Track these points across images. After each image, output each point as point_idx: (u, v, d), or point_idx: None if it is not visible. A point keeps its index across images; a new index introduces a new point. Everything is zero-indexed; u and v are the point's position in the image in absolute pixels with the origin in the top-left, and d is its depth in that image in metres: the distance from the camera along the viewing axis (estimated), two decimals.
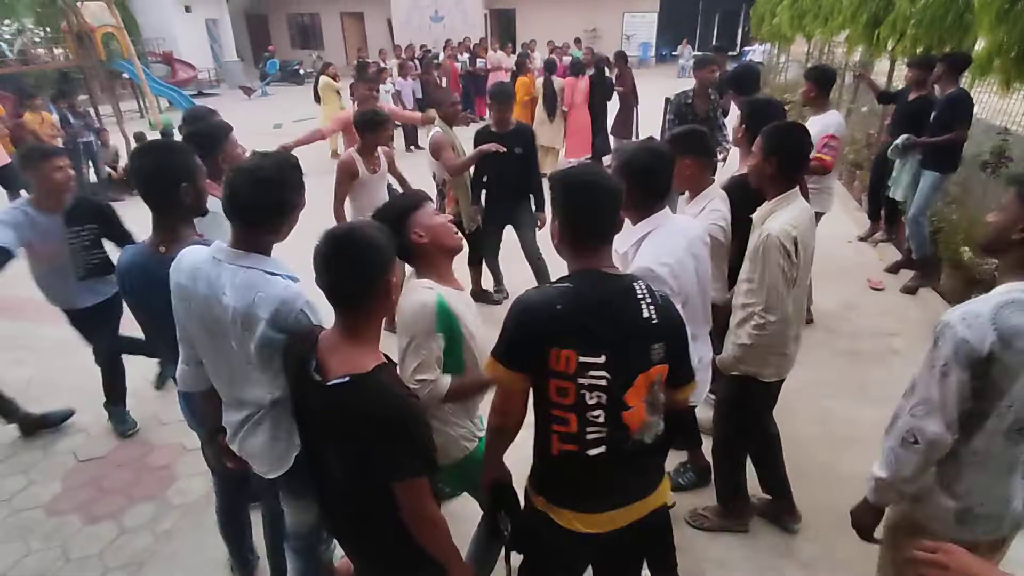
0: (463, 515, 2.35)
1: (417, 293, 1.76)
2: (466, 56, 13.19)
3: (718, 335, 2.49)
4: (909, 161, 4.93)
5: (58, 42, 15.43)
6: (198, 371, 1.87)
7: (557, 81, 8.29)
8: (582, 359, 1.42)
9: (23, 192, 7.13)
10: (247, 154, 2.00)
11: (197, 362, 1.86)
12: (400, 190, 4.19)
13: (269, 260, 1.68)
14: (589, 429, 1.46)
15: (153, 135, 9.17)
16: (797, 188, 2.21)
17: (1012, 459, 1.45)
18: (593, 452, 1.48)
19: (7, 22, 17.93)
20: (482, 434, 1.91)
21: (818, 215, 3.14)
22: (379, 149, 3.97)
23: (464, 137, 4.45)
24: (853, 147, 7.61)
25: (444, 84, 11.23)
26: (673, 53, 21.09)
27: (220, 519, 2.41)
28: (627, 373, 1.47)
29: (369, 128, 3.84)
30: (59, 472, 3.19)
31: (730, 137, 4.71)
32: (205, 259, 1.68)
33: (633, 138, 7.59)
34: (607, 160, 7.67)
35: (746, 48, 20.23)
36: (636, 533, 1.59)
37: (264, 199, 1.60)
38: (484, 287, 4.95)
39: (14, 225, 2.88)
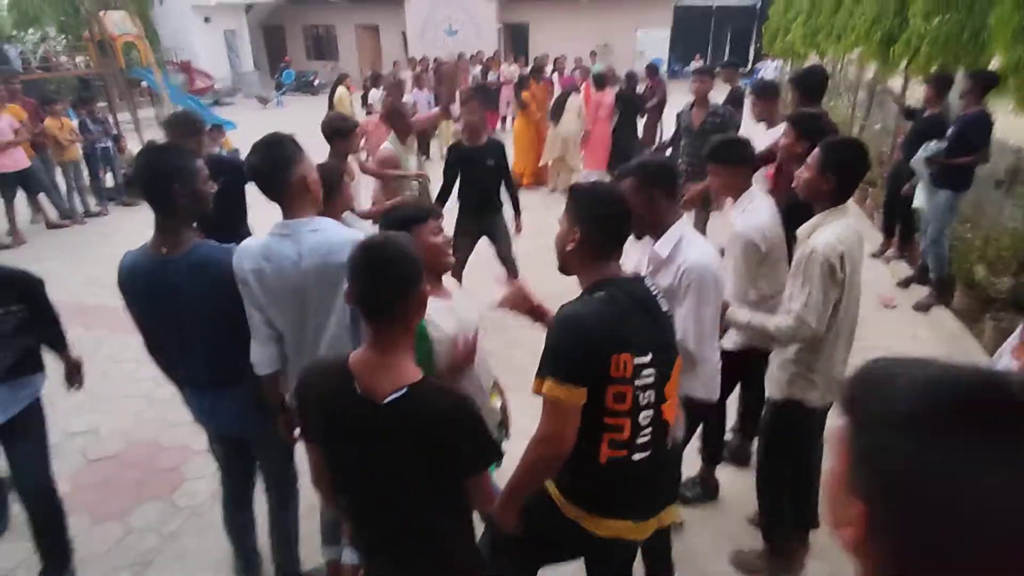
0: None
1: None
2: (478, 69, 13.29)
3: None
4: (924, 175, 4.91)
5: (80, 50, 15.72)
6: (277, 350, 1.99)
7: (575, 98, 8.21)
8: (636, 361, 1.52)
9: (42, 197, 7.29)
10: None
11: (276, 339, 1.97)
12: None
13: (331, 222, 1.93)
14: (640, 433, 1.57)
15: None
16: (847, 204, 2.15)
17: None
18: (638, 457, 1.58)
19: (31, 30, 18.32)
20: None
21: None
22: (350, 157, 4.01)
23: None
24: None
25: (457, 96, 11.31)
26: (686, 69, 21.18)
27: (226, 517, 2.42)
28: (668, 366, 1.61)
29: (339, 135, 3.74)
30: (69, 472, 3.20)
31: None
32: (271, 239, 1.88)
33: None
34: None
35: (758, 65, 20.28)
36: (649, 541, 1.70)
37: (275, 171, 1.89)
38: None
39: None
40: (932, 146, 4.73)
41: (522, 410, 2.17)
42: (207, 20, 21.20)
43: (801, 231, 2.20)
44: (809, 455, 2.43)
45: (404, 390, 1.34)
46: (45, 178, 7.30)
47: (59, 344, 2.52)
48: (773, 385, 2.34)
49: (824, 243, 2.02)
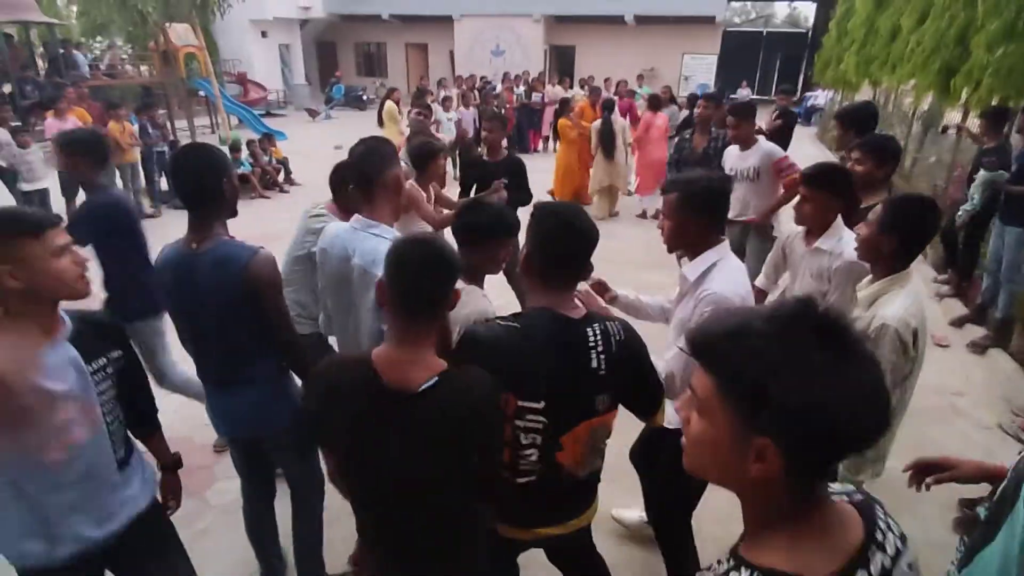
0: None
1: (479, 301, 1.84)
2: (522, 89, 13.42)
3: None
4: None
5: (144, 59, 16.48)
6: (330, 320, 2.27)
7: (619, 121, 8.07)
8: (521, 403, 1.45)
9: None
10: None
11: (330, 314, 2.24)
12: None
13: (390, 230, 2.05)
14: (521, 463, 1.52)
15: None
16: (910, 268, 1.97)
17: None
18: (522, 480, 1.55)
19: (99, 38, 19.34)
20: None
21: None
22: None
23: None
24: None
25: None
26: (731, 96, 21.02)
27: (247, 520, 2.42)
28: (567, 421, 1.50)
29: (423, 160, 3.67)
30: None
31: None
32: (346, 228, 2.09)
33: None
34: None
35: (807, 93, 19.99)
36: (558, 546, 1.75)
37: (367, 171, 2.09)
38: None
39: None
40: (987, 176, 4.61)
41: None
42: (264, 34, 22.02)
43: (862, 296, 2.02)
44: None
45: (436, 378, 1.33)
46: (105, 178, 7.61)
47: (149, 420, 1.97)
48: None
49: (896, 318, 1.85)
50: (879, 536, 0.83)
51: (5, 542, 1.53)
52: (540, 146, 13.22)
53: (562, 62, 23.23)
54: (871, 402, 0.74)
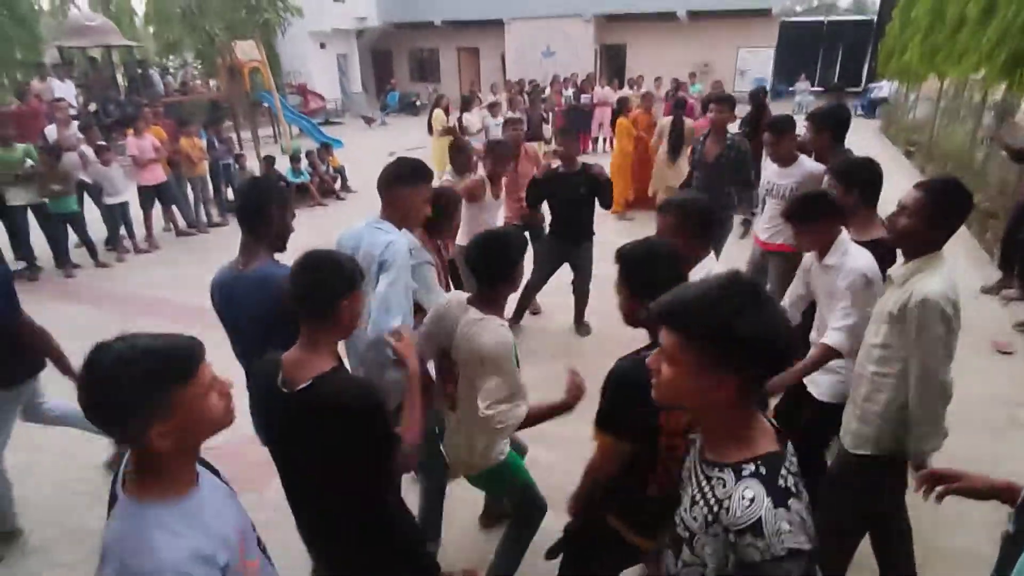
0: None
1: (497, 331, 1.97)
2: (571, 91, 13.44)
3: None
4: None
5: (213, 75, 17.44)
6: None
7: (687, 122, 7.61)
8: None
9: (175, 208, 8.16)
10: None
11: None
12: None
13: (395, 230, 2.33)
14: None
15: (283, 159, 10.11)
16: (943, 251, 2.01)
17: None
18: (660, 495, 1.65)
19: (172, 56, 20.59)
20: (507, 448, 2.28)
21: None
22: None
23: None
24: (987, 195, 7.00)
25: (550, 118, 11.52)
26: (790, 89, 20.32)
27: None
28: None
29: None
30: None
31: (760, 193, 4.30)
32: (363, 225, 2.38)
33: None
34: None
35: (871, 84, 19.13)
36: None
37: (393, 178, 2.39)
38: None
39: None
40: None
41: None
42: (322, 46, 22.87)
43: (896, 275, 2.05)
44: (903, 511, 2.30)
45: (310, 381, 1.55)
46: (177, 191, 8.21)
47: None
48: (858, 439, 2.17)
49: (937, 293, 1.89)
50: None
51: None
52: (590, 147, 13.22)
53: (613, 61, 23.08)
54: (787, 332, 1.14)
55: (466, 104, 10.39)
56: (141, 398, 1.06)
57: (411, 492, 2.71)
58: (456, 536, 2.94)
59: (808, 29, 23.36)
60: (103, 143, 7.41)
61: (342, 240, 2.42)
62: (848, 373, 2.38)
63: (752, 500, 1.07)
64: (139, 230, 7.72)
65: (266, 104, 15.19)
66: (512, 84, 14.67)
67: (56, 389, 3.03)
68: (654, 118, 8.61)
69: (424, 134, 11.45)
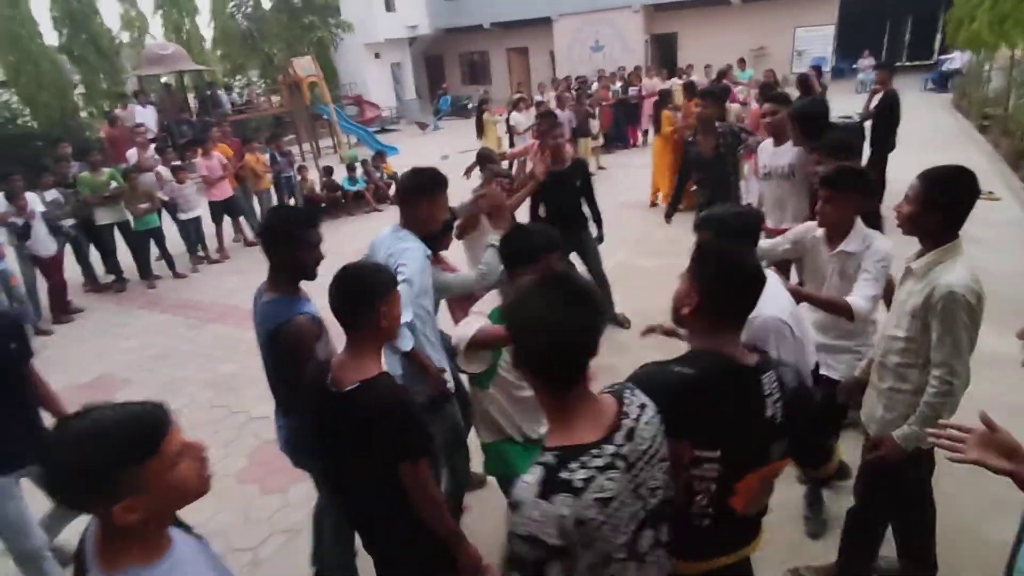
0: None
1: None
2: (619, 85, 13.34)
3: None
4: None
5: (275, 91, 18.37)
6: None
7: (732, 108, 7.64)
8: (697, 453, 1.39)
9: (242, 220, 8.72)
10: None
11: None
12: None
13: (413, 237, 2.55)
14: (693, 508, 1.45)
15: (340, 169, 10.59)
16: (960, 238, 1.99)
17: None
18: (695, 523, 1.47)
19: (238, 77, 21.81)
20: (522, 442, 2.35)
21: None
22: None
23: None
24: None
25: (597, 113, 11.50)
26: (853, 67, 19.35)
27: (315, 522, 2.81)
28: (741, 468, 1.43)
29: None
30: (246, 450, 3.93)
31: (752, 187, 4.23)
32: (387, 232, 2.62)
33: None
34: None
35: (943, 56, 18.00)
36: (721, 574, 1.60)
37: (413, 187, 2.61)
38: None
39: None
40: None
41: None
42: (377, 56, 23.61)
43: (916, 267, 2.03)
44: (930, 494, 2.29)
45: (357, 383, 1.69)
46: (245, 204, 8.78)
47: None
48: (884, 426, 2.17)
49: (962, 285, 1.88)
50: (626, 408, 1.28)
51: None
52: (640, 140, 13.11)
53: (664, 51, 22.64)
54: (575, 342, 1.24)
55: (515, 105, 10.58)
56: (98, 480, 1.03)
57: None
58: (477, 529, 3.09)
59: (872, 2, 22.14)
60: (178, 163, 8.04)
61: (374, 245, 2.65)
62: (866, 350, 2.50)
63: (527, 483, 1.18)
64: (211, 242, 8.33)
65: (324, 116, 15.89)
66: (560, 81, 14.70)
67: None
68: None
69: (475, 138, 11.71)
